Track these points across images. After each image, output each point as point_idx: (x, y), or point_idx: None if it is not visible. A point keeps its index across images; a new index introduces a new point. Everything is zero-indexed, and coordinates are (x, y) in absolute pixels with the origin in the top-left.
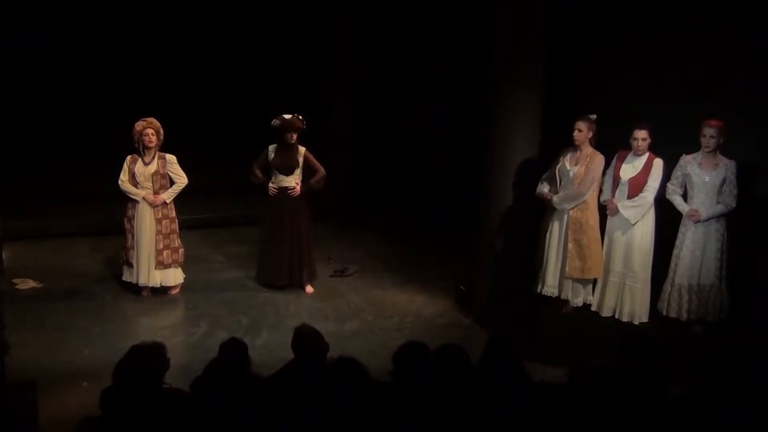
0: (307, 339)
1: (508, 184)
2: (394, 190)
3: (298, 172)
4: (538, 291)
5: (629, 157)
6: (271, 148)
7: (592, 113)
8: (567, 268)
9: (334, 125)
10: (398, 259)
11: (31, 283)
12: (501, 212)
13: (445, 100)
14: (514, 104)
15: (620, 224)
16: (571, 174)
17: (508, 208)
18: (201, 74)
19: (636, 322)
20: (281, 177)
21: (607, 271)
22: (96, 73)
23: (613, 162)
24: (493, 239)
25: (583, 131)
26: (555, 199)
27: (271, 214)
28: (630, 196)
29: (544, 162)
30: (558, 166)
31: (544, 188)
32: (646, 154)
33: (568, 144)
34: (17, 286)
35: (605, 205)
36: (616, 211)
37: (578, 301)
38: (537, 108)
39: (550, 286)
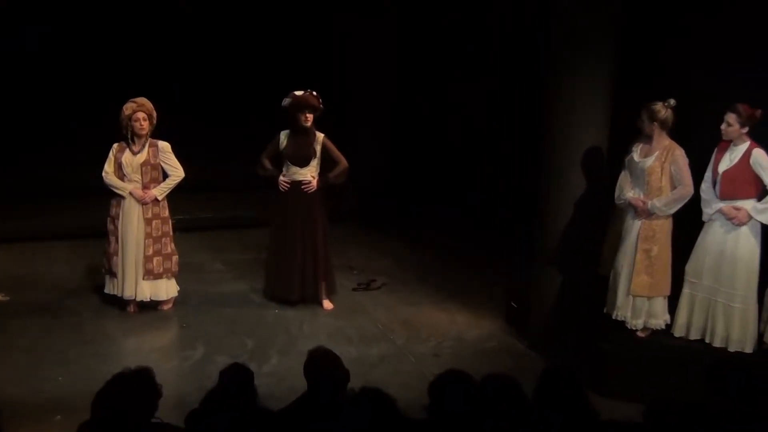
0: (322, 364)
1: (570, 181)
2: (429, 188)
3: (314, 163)
4: (606, 311)
5: (730, 147)
6: (283, 134)
7: (670, 98)
8: (631, 285)
9: (359, 110)
10: (435, 270)
11: None
12: (562, 217)
13: (488, 83)
14: (579, 85)
15: (716, 230)
16: (641, 166)
17: (571, 211)
18: (198, 50)
19: (732, 350)
20: (294, 169)
21: (691, 285)
22: (70, 50)
23: (714, 154)
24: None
25: (649, 120)
26: (656, 203)
27: (281, 214)
28: (722, 193)
29: (616, 155)
30: (626, 158)
31: (628, 192)
32: (745, 144)
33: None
34: None
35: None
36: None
37: (657, 323)
38: (607, 87)
39: (620, 306)
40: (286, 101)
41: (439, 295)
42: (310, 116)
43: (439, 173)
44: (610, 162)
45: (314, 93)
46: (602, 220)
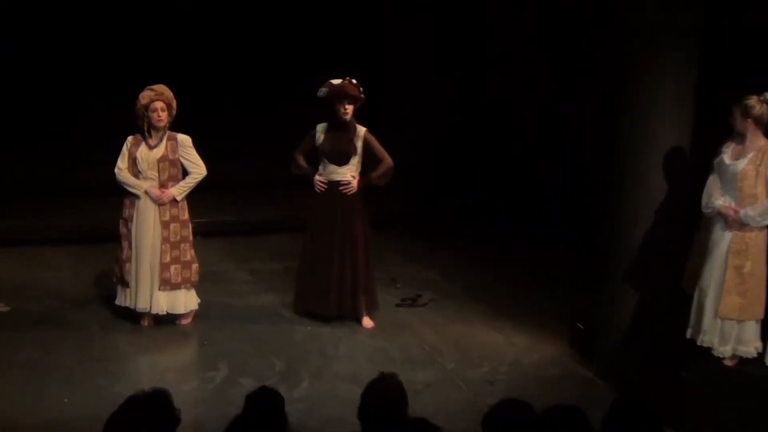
0: (389, 401)
1: (650, 187)
2: (481, 193)
3: (355, 161)
4: (689, 336)
5: None
6: (320, 128)
7: (766, 91)
8: (720, 306)
9: (404, 105)
10: (489, 284)
11: None
12: (639, 226)
13: (550, 76)
14: (660, 80)
15: None
16: (733, 170)
17: (650, 220)
18: (222, 33)
19: None
20: (332, 168)
21: None
22: (75, 33)
23: None
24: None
25: (742, 117)
26: (750, 213)
27: (316, 219)
28: None
29: (704, 156)
30: (716, 160)
31: (717, 199)
32: None
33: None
34: None
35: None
36: (740, 224)
37: (747, 351)
38: (691, 81)
39: (706, 330)
40: (322, 91)
41: (494, 313)
42: (349, 108)
43: (492, 177)
44: (696, 164)
45: (353, 81)
46: (686, 230)
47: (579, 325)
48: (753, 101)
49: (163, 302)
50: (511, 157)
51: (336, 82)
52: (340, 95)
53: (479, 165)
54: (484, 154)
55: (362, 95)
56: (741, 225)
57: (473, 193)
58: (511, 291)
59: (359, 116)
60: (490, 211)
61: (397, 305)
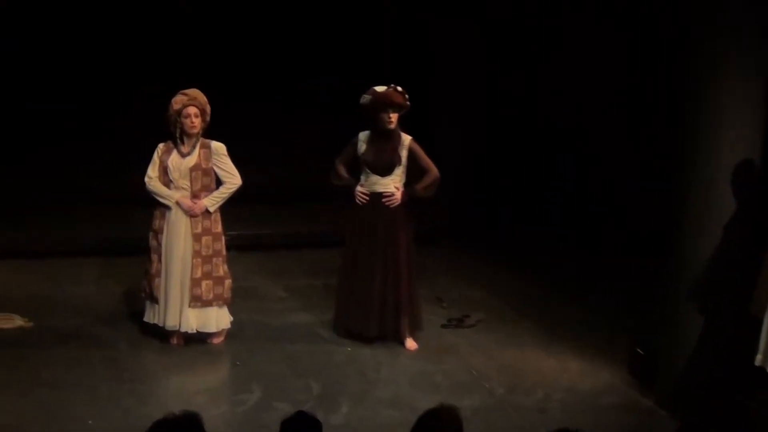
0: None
1: (719, 199)
2: (534, 203)
3: (399, 171)
4: (757, 364)
5: None
6: (363, 136)
7: None
8: None
9: (451, 110)
10: (541, 304)
11: (16, 321)
12: (706, 242)
13: (605, 76)
14: (732, 81)
15: None
16: None
17: (718, 235)
18: (259, 34)
19: None
20: (375, 178)
21: None
22: (103, 31)
23: None
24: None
25: None
26: None
27: (357, 233)
28: None
29: None
30: None
31: None
32: None
33: None
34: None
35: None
36: None
37: None
38: (763, 83)
39: None
40: (365, 98)
41: (547, 336)
42: (394, 116)
43: (546, 187)
44: None
45: (399, 88)
46: (758, 247)
47: (638, 349)
48: None
49: (194, 320)
50: (565, 166)
51: (380, 89)
52: (384, 103)
53: (531, 175)
54: (536, 163)
55: (408, 103)
56: None
57: (526, 204)
58: (567, 312)
59: (403, 124)
60: (545, 224)
61: (443, 326)
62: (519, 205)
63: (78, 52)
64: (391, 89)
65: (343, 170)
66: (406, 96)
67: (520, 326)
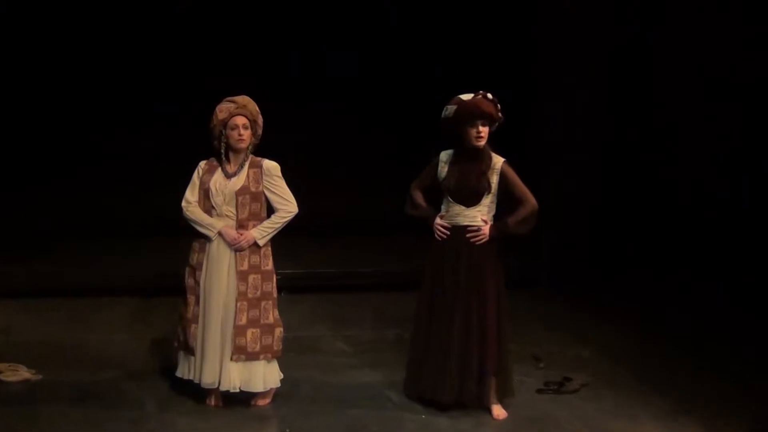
0: None
1: None
2: (655, 245)
3: (488, 201)
4: None
5: None
6: (444, 156)
7: None
8: None
9: (554, 130)
10: (662, 367)
11: (23, 373)
12: None
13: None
14: None
15: None
16: None
17: None
18: (327, 34)
19: None
20: (458, 209)
21: None
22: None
23: None
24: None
25: None
26: None
27: (436, 275)
28: None
29: None
30: None
31: None
32: None
33: None
34: (2, 377)
35: None
36: None
37: None
38: None
39: None
40: (448, 109)
41: (668, 406)
42: (484, 130)
43: (666, 225)
44: None
45: (489, 96)
46: None
47: None
48: None
49: (236, 376)
50: (685, 200)
51: (466, 97)
52: (472, 114)
53: (653, 210)
54: (655, 198)
55: (500, 114)
56: None
57: (645, 246)
58: (692, 377)
59: (493, 143)
60: (670, 270)
61: (539, 391)
62: (637, 246)
63: (93, 74)
64: (479, 97)
65: (420, 198)
66: (499, 106)
67: (636, 393)
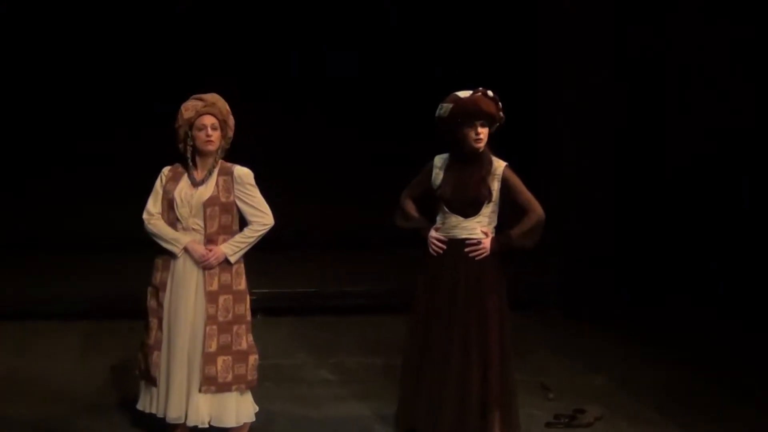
0: None
1: None
2: (673, 264)
3: (488, 211)
4: None
5: None
6: (438, 162)
7: None
8: None
9: (562, 131)
10: (685, 398)
11: None
12: None
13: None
14: None
15: None
16: None
17: None
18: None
19: None
20: (455, 220)
21: None
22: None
23: None
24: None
25: None
26: None
27: (430, 293)
28: None
29: None
30: None
31: None
32: None
33: None
34: None
35: None
36: None
37: None
38: None
39: None
40: (443, 108)
41: None
42: (483, 131)
43: (690, 238)
44: None
45: (489, 93)
46: None
47: None
48: None
49: (205, 410)
50: (717, 217)
51: (464, 94)
52: (470, 113)
53: (674, 225)
54: (680, 212)
55: (501, 114)
56: None
57: (666, 265)
58: (717, 408)
59: (494, 146)
60: (695, 291)
61: (548, 425)
62: (656, 262)
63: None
64: (478, 94)
65: (412, 208)
66: (500, 104)
67: (657, 429)
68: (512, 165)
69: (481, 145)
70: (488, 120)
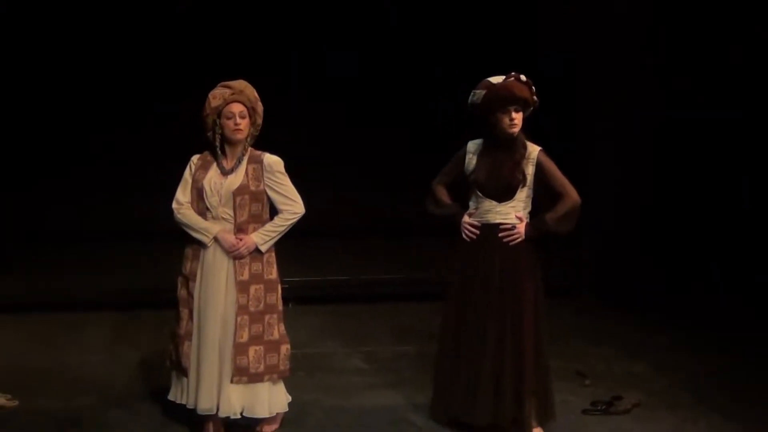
0: None
1: None
2: (721, 252)
3: (523, 196)
4: None
5: None
6: (472, 147)
7: None
8: None
9: (600, 115)
10: (724, 386)
11: None
12: None
13: None
14: None
15: None
16: None
17: None
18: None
19: None
20: (489, 205)
21: None
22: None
23: None
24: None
25: None
26: None
27: (465, 281)
28: None
29: None
30: None
31: None
32: None
33: None
34: None
35: None
36: None
37: None
38: None
39: None
40: (476, 94)
41: (732, 428)
42: (517, 116)
43: (730, 226)
44: None
45: (523, 77)
46: None
47: None
48: None
49: (237, 401)
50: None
51: (496, 80)
52: (504, 99)
53: (719, 214)
54: (724, 200)
55: (535, 98)
56: None
57: (709, 252)
58: (757, 396)
59: (528, 130)
60: (738, 281)
61: (585, 411)
62: (695, 248)
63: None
64: (512, 79)
65: (443, 194)
66: (534, 89)
67: (696, 415)
68: (548, 149)
69: (516, 130)
70: (522, 105)
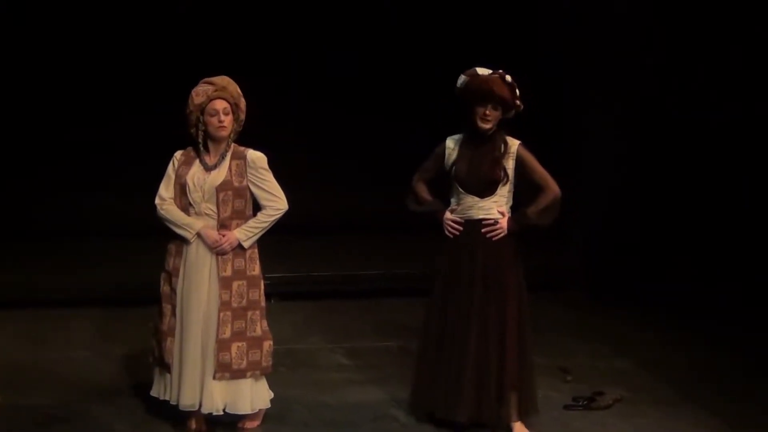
0: None
1: None
2: (705, 245)
3: (504, 191)
4: None
5: None
6: (452, 141)
7: None
8: None
9: (586, 109)
10: (708, 380)
11: None
12: None
13: None
14: None
15: None
16: None
17: None
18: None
19: None
20: (470, 200)
21: None
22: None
23: None
24: None
25: None
26: None
27: (447, 276)
28: None
29: None
30: None
31: None
32: None
33: None
34: None
35: None
36: None
37: None
38: None
39: None
40: (461, 79)
41: (717, 424)
42: (492, 114)
43: (720, 219)
44: None
45: (507, 78)
46: None
47: None
48: None
49: (220, 397)
50: (748, 197)
51: (482, 71)
52: (482, 92)
53: (702, 206)
54: (707, 191)
55: (517, 102)
56: None
57: (693, 246)
58: (744, 391)
59: (513, 128)
60: (723, 274)
61: (567, 407)
62: (684, 241)
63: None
64: (495, 76)
65: (424, 191)
66: (517, 92)
67: (679, 410)
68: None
69: (487, 126)
70: (498, 103)
